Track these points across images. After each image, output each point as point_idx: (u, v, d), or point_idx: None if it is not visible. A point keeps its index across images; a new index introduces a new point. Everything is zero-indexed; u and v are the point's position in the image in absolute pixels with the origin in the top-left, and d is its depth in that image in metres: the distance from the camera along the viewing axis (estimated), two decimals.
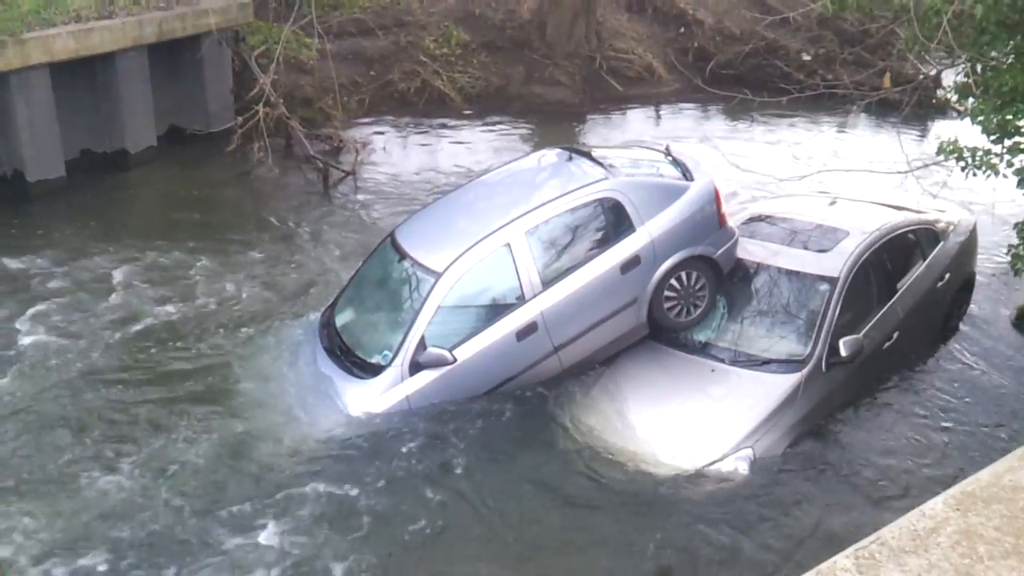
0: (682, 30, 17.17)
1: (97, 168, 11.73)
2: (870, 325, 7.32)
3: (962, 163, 6.69)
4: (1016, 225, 7.27)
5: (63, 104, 11.19)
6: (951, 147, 6.69)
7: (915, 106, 12.33)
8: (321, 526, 5.86)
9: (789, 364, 6.93)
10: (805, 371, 6.86)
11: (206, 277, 9.01)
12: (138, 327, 8.11)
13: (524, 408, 6.91)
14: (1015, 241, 7.18)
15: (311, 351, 7.33)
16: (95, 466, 6.31)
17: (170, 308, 8.43)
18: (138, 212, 11.02)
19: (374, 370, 6.81)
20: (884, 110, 13.31)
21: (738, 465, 6.46)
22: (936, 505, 4.03)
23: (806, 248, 7.56)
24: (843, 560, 3.71)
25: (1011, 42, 6.67)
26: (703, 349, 7.26)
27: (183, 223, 10.38)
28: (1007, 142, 6.57)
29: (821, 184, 9.26)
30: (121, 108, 11.81)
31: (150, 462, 6.36)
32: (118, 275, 9.02)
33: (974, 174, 6.72)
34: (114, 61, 11.56)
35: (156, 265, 9.22)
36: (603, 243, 7.15)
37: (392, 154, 12.96)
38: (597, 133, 14.31)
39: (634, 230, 7.16)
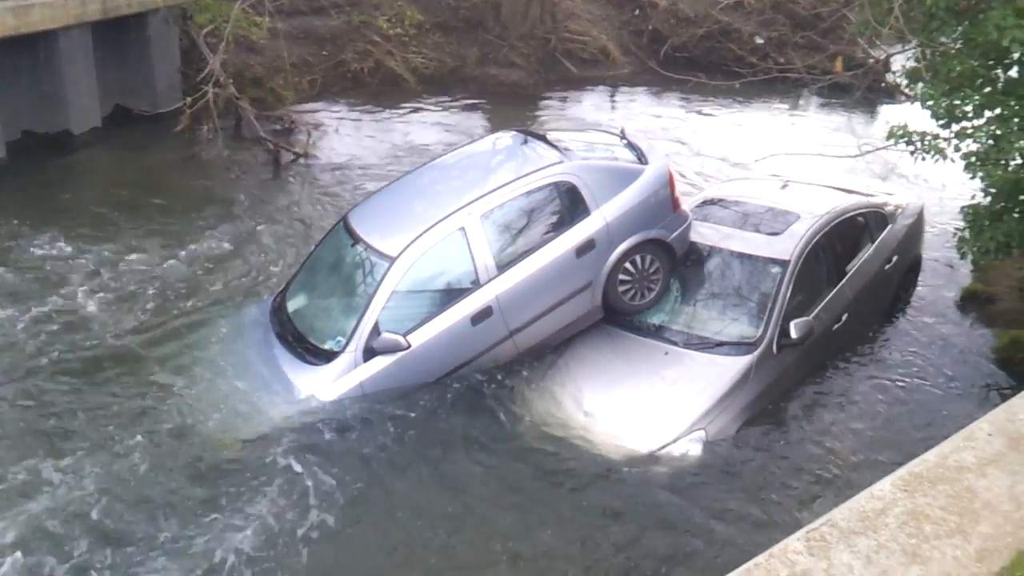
0: (636, 12, 17.15)
1: (40, 149, 11.37)
2: (820, 307, 7.42)
3: (911, 147, 6.77)
4: (962, 209, 7.40)
5: (3, 83, 10.84)
6: (900, 132, 6.77)
7: (866, 90, 12.54)
8: (275, 517, 5.78)
9: (741, 346, 7.00)
10: (756, 353, 6.94)
11: (153, 262, 8.79)
12: (81, 315, 7.90)
13: (480, 393, 6.90)
14: (961, 224, 7.31)
15: (263, 338, 7.22)
16: (43, 461, 6.14)
17: (115, 295, 8.21)
18: (82, 194, 10.69)
19: (327, 356, 6.72)
20: (836, 94, 13.48)
21: (691, 447, 6.52)
22: (884, 487, 4.10)
23: (758, 231, 7.63)
24: (795, 543, 3.76)
25: (959, 28, 6.76)
26: (657, 332, 7.30)
27: (129, 206, 10.11)
28: (955, 127, 6.67)
29: (773, 167, 9.35)
30: (64, 87, 11.46)
31: (99, 456, 6.22)
32: (61, 259, 8.77)
33: (923, 158, 6.81)
34: (56, 39, 11.19)
35: (101, 249, 8.97)
36: (558, 227, 7.14)
37: (345, 136, 12.77)
38: (552, 115, 14.26)
39: (589, 213, 7.16)
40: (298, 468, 6.12)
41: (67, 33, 11.26)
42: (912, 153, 6.84)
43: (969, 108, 6.60)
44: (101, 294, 8.21)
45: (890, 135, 6.88)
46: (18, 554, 5.38)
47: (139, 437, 6.37)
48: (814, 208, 7.83)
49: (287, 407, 6.55)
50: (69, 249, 8.96)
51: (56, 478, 5.98)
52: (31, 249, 8.94)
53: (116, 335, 7.65)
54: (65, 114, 11.58)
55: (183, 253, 9.00)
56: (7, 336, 7.53)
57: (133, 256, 8.89)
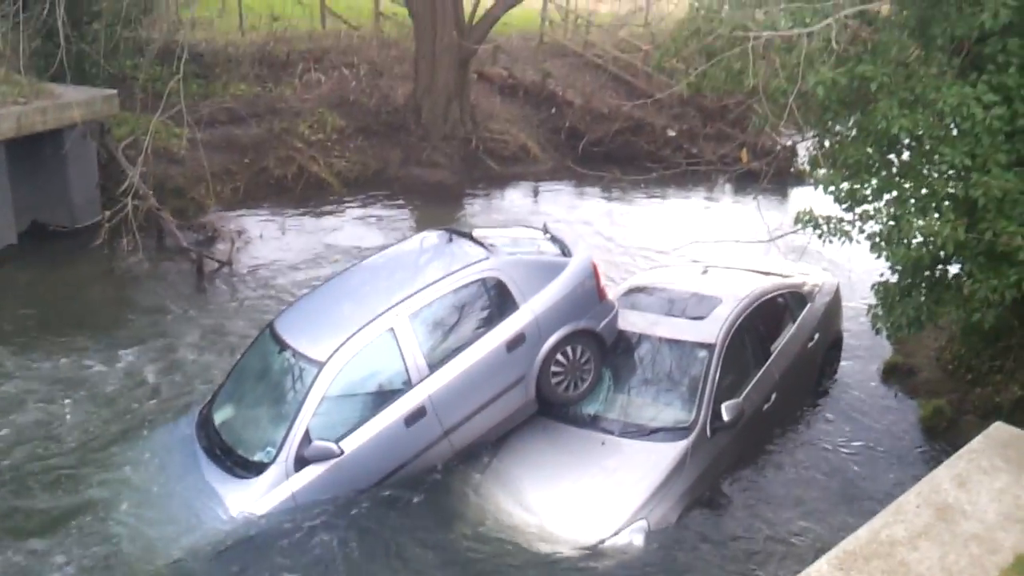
0: (553, 110, 17.79)
1: None
2: (749, 388, 7.56)
3: (818, 231, 7.07)
4: (873, 286, 7.72)
5: None
6: (807, 216, 7.08)
7: (774, 176, 13.09)
8: None
9: (675, 432, 7.06)
10: (691, 438, 7.01)
11: (72, 382, 8.48)
12: None
13: (416, 495, 6.77)
14: (874, 301, 7.61)
15: (189, 454, 6.98)
16: None
17: (31, 418, 7.88)
18: None
19: (257, 468, 6.54)
20: (746, 181, 14.03)
21: (633, 538, 6.48)
22: (821, 567, 4.13)
23: (683, 316, 7.80)
24: None
25: (852, 118, 7.18)
26: (592, 422, 7.33)
27: (47, 323, 9.81)
28: (857, 210, 7.01)
29: (693, 254, 9.63)
30: None
31: None
32: None
33: (830, 241, 7.11)
34: None
35: (15, 372, 8.64)
36: (488, 322, 7.18)
37: (269, 242, 12.73)
38: (477, 212, 14.51)
39: (517, 308, 7.23)
40: None
41: None
42: (820, 236, 7.13)
43: (868, 192, 6.95)
44: (16, 415, 7.87)
45: (797, 220, 7.18)
46: None
47: (61, 562, 6.04)
48: (735, 291, 8.06)
49: (217, 524, 6.31)
50: None
51: None
52: None
53: (34, 456, 7.31)
54: None
55: (104, 370, 8.73)
56: None
57: (51, 374, 8.59)
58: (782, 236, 8.07)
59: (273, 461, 6.49)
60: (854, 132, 7.19)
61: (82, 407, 8.07)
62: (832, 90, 6.42)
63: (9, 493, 6.86)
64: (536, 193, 15.62)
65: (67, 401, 8.16)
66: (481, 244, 7.63)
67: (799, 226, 7.11)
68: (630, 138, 16.89)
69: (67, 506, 6.70)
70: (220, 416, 7.16)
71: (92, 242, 11.18)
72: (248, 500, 6.42)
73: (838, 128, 7.43)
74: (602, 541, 6.43)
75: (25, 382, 8.47)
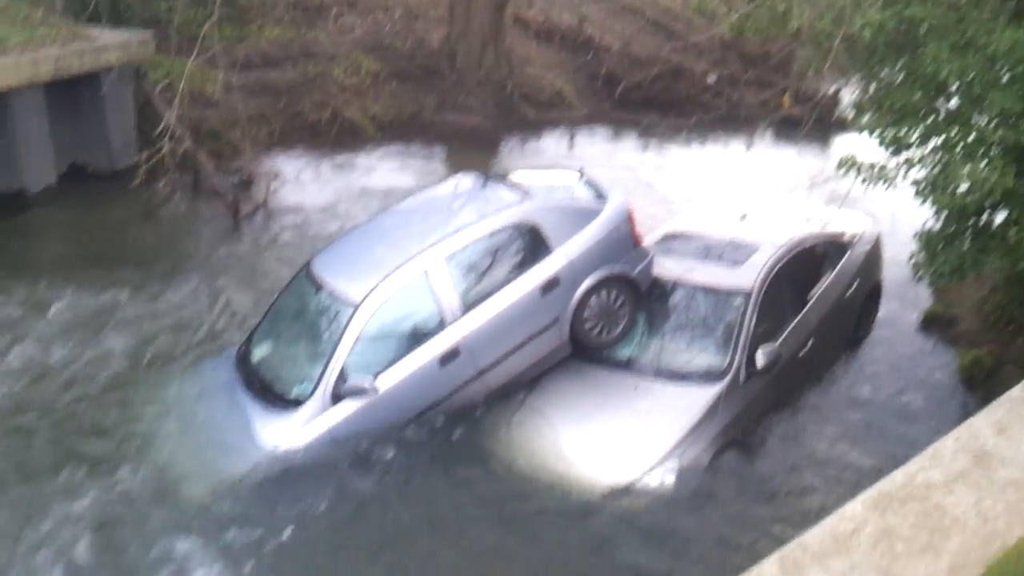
0: (590, 56, 17.50)
1: None
2: (785, 335, 7.51)
3: (862, 177, 6.94)
4: (916, 234, 7.58)
5: None
6: (850, 162, 6.94)
7: (816, 123, 12.85)
8: (245, 569, 5.64)
9: (709, 376, 7.05)
10: (725, 382, 6.99)
11: (115, 318, 8.66)
12: (43, 373, 7.74)
13: (449, 434, 6.84)
14: (916, 249, 7.47)
15: (229, 388, 7.11)
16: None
17: (78, 352, 8.06)
18: (38, 253, 10.54)
19: (294, 403, 6.64)
20: (788, 128, 13.79)
21: (664, 478, 6.52)
22: (855, 507, 4.11)
23: (719, 263, 7.73)
24: (768, 566, 3.75)
25: (899, 62, 6.99)
26: (626, 365, 7.33)
27: (87, 263, 9.99)
28: (902, 155, 6.85)
29: (731, 200, 9.50)
30: (18, 147, 11.34)
31: (65, 509, 6.04)
32: (19, 319, 8.61)
33: (873, 187, 6.98)
34: (8, 100, 11.11)
35: (61, 307, 8.82)
36: (522, 266, 7.17)
37: (304, 185, 12.78)
38: (511, 158, 14.41)
39: (552, 252, 7.20)
40: (269, 516, 6.00)
41: (19, 94, 11.19)
42: (863, 182, 7.00)
43: (914, 137, 6.78)
44: (63, 349, 8.06)
45: (840, 165, 7.04)
46: None
47: (107, 486, 6.23)
48: (773, 238, 7.96)
49: (255, 456, 6.44)
50: (28, 306, 8.81)
51: (19, 536, 5.80)
52: None
53: (78, 389, 7.50)
54: (20, 173, 11.45)
55: (143, 306, 8.89)
56: None
57: (93, 311, 8.76)
58: (824, 182, 7.92)
59: (310, 397, 6.59)
60: (901, 76, 7.00)
61: (123, 340, 8.23)
62: (879, 33, 6.25)
63: (55, 420, 7.06)
64: (571, 139, 15.46)
65: (108, 334, 8.34)
66: (516, 188, 7.58)
67: (842, 171, 6.97)
68: (669, 84, 16.60)
69: (112, 433, 6.88)
70: (258, 353, 7.27)
71: (129, 184, 11.28)
72: (285, 433, 6.54)
73: (884, 72, 7.23)
74: (633, 481, 6.48)
75: (66, 316, 8.65)
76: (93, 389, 7.54)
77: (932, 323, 9.10)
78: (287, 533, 5.91)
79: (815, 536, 3.94)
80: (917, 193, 6.78)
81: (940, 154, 6.62)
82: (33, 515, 6.02)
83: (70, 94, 11.97)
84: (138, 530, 5.95)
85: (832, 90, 13.60)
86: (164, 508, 6.12)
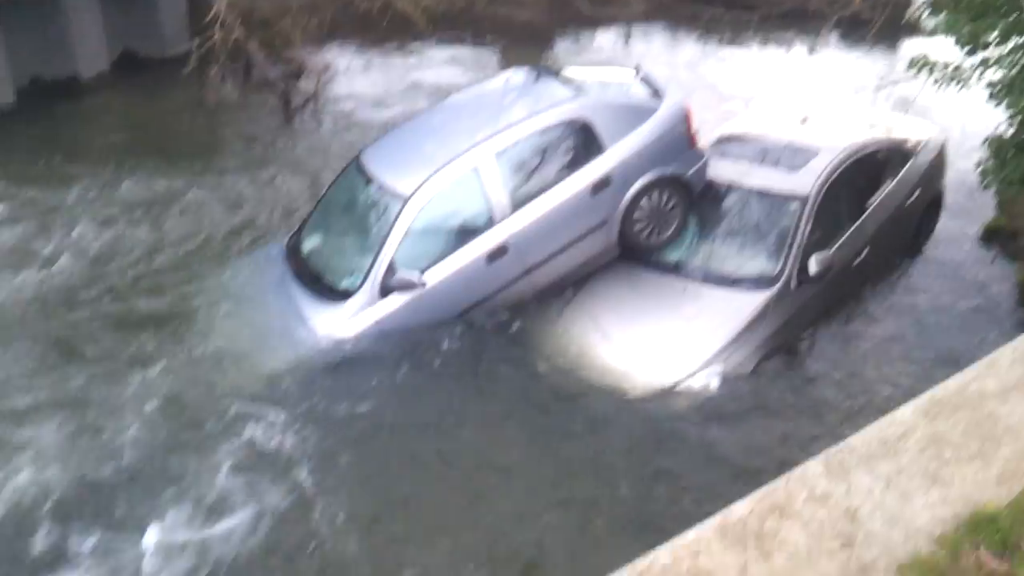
0: None
1: (48, 95, 11.29)
2: (840, 243, 7.34)
3: (934, 77, 6.62)
4: (986, 140, 7.26)
5: (10, 30, 10.71)
6: (922, 61, 6.62)
7: (885, 26, 12.26)
8: (292, 456, 5.82)
9: (760, 282, 6.96)
10: (775, 288, 6.90)
11: (167, 205, 8.77)
12: (98, 256, 7.92)
13: (496, 331, 6.88)
14: (985, 156, 7.18)
15: (279, 277, 7.21)
16: (59, 396, 6.20)
17: (132, 236, 8.22)
18: (92, 140, 10.64)
19: (343, 294, 6.72)
20: (854, 30, 13.18)
21: (709, 381, 6.52)
22: (905, 412, 4.08)
23: (776, 167, 7.52)
24: (814, 465, 3.76)
25: None
26: (674, 268, 7.26)
27: (139, 151, 10.06)
28: (978, 55, 6.51)
29: (792, 102, 9.17)
30: (71, 33, 11.35)
31: (117, 391, 6.26)
32: (76, 203, 8.76)
33: (945, 87, 6.67)
34: None
35: (115, 193, 8.96)
36: (573, 164, 7.05)
37: (355, 77, 12.62)
38: (565, 54, 14.03)
39: (604, 151, 7.07)
40: (316, 406, 6.15)
41: None
42: (935, 83, 6.69)
43: (994, 35, 6.42)
44: (116, 234, 8.23)
45: (912, 64, 6.74)
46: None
47: (160, 367, 6.44)
48: (833, 143, 7.69)
49: (306, 344, 6.57)
50: (80, 191, 8.95)
51: (76, 414, 6.05)
52: (44, 191, 8.93)
53: (133, 274, 7.68)
54: (73, 59, 11.48)
55: (196, 193, 8.97)
56: (32, 274, 7.61)
57: (146, 197, 8.89)
58: (894, 84, 7.58)
59: (359, 288, 6.65)
60: None
61: (177, 226, 8.39)
62: None
63: (113, 299, 7.30)
64: (628, 36, 14.97)
65: (166, 220, 8.50)
66: (569, 84, 7.39)
67: (912, 71, 6.66)
68: None
69: (167, 316, 7.06)
70: (308, 244, 7.33)
71: (181, 71, 11.25)
72: (335, 324, 6.64)
73: None
74: (677, 382, 6.50)
75: (120, 202, 8.80)
76: (155, 269, 7.74)
77: (993, 236, 8.81)
78: (327, 423, 6.07)
79: (862, 439, 3.93)
80: (992, 96, 6.47)
81: (1020, 54, 6.27)
82: (110, 381, 6.31)
83: None
84: (177, 407, 6.18)
85: None
86: (208, 388, 6.31)
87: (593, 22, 15.22)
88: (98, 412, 6.06)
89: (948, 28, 6.52)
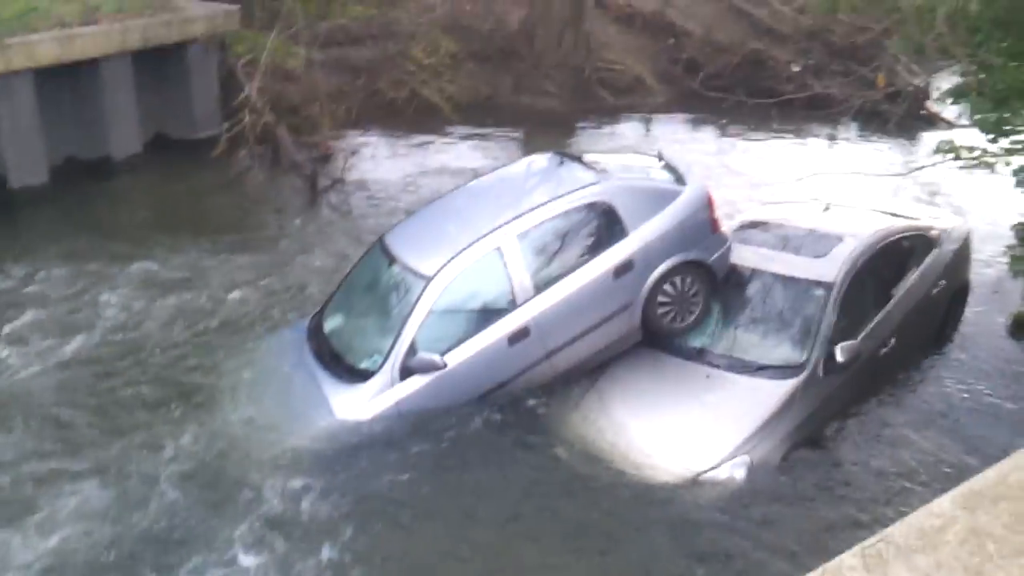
0: (671, 41, 17.17)
1: (81, 175, 11.59)
2: (866, 331, 7.22)
3: (959, 163, 6.63)
4: (1014, 226, 7.21)
5: (47, 110, 11.06)
6: (948, 147, 6.64)
7: (903, 118, 12.41)
8: (308, 536, 5.71)
9: (785, 370, 6.82)
10: (802, 377, 6.76)
11: (192, 284, 8.85)
12: (122, 334, 7.97)
13: (516, 414, 6.77)
14: (1011, 243, 7.12)
15: (300, 357, 7.16)
16: (75, 474, 6.16)
17: (156, 315, 8.28)
18: (123, 219, 10.85)
19: (363, 375, 6.65)
20: (873, 122, 13.34)
21: (735, 472, 6.33)
22: (943, 503, 3.91)
23: (801, 253, 7.47)
24: (850, 559, 3.58)
25: (1004, 42, 6.64)
26: (698, 355, 7.14)
27: (169, 230, 10.22)
28: (1004, 141, 6.52)
29: (814, 190, 9.20)
30: (105, 115, 11.69)
31: (131, 470, 6.21)
32: (103, 282, 8.85)
33: (971, 173, 6.67)
34: (98, 68, 11.45)
35: (141, 272, 9.05)
36: (595, 248, 7.04)
37: (381, 162, 12.86)
38: (587, 141, 14.26)
39: (627, 235, 7.06)
40: (335, 485, 6.06)
41: (109, 62, 11.52)
42: (961, 168, 6.69)
43: (1019, 123, 6.44)
44: (140, 315, 8.28)
45: (938, 150, 6.76)
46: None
47: (179, 450, 6.39)
48: (858, 230, 7.65)
49: (324, 425, 6.49)
50: (109, 269, 9.04)
51: (89, 493, 6.00)
52: (74, 267, 9.04)
53: (156, 355, 7.70)
54: (107, 140, 11.80)
55: (222, 275, 9.05)
56: (56, 351, 7.67)
57: (173, 276, 8.98)
58: (919, 169, 7.59)
59: (379, 369, 6.59)
60: (1005, 58, 6.64)
61: (197, 310, 8.42)
62: (987, 7, 5.92)
63: (128, 379, 7.31)
64: (649, 125, 15.21)
65: (186, 297, 8.57)
66: (592, 168, 7.45)
67: (938, 156, 6.67)
68: (751, 72, 16.16)
69: (185, 394, 7.04)
70: (330, 324, 7.31)
71: (211, 154, 11.51)
72: (354, 405, 6.56)
73: (986, 53, 6.88)
74: (702, 473, 6.32)
75: (148, 278, 8.90)
76: (166, 345, 7.79)
77: (1021, 327, 8.67)
78: (343, 505, 5.97)
79: (900, 531, 3.75)
80: (1019, 183, 6.45)
81: None
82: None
83: (157, 64, 12.27)
84: (192, 488, 6.14)
85: (923, 83, 13.09)
86: (224, 469, 6.26)
87: (615, 111, 15.51)
88: (133, 479, 6.09)
89: (972, 115, 6.55)
